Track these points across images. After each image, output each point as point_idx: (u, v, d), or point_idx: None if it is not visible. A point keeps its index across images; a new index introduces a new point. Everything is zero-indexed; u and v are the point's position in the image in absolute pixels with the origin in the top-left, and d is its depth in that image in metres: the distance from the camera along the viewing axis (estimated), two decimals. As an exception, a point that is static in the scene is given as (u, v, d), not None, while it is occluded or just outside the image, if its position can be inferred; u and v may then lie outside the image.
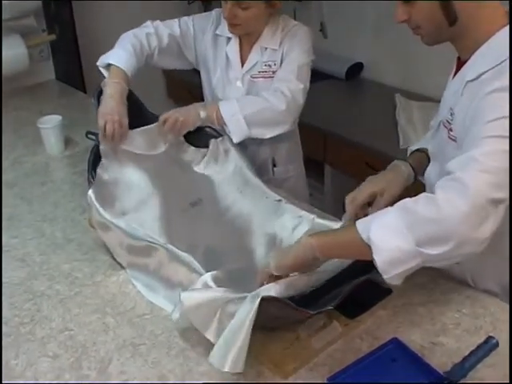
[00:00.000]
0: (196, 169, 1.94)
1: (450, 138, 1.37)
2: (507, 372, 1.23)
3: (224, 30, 2.05)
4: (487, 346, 1.23)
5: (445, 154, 1.40)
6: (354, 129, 2.80)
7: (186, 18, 2.13)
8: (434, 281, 1.51)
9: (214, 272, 1.41)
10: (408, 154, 1.71)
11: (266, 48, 2.03)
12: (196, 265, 1.48)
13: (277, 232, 1.67)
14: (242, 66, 2.07)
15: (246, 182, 1.85)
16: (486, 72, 1.26)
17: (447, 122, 1.39)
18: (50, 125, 2.28)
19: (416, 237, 1.15)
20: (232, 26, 1.97)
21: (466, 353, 1.23)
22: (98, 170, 1.76)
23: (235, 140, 1.93)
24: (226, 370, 1.16)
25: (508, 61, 1.22)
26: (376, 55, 3.31)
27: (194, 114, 1.91)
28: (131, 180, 1.80)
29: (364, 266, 1.32)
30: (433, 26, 1.33)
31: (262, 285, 1.33)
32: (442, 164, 1.45)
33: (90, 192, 1.68)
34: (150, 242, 1.57)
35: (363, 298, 1.40)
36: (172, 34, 2.08)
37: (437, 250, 1.15)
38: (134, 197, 1.75)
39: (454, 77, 1.44)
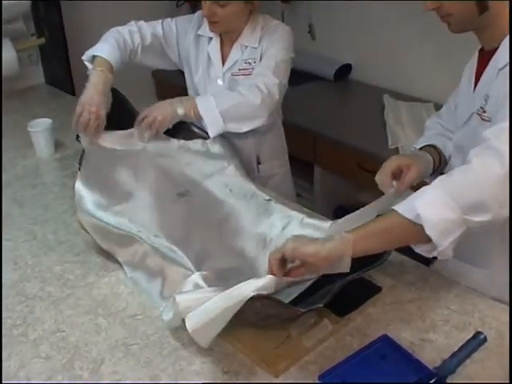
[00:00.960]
0: (182, 160, 1.95)
1: (484, 120, 1.43)
2: (496, 367, 1.25)
3: (206, 30, 2.10)
4: (475, 342, 1.25)
5: (477, 140, 1.43)
6: (343, 129, 2.82)
7: (168, 19, 2.19)
8: (424, 279, 1.53)
9: (204, 272, 1.42)
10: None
11: (247, 46, 2.08)
12: (186, 260, 1.50)
13: (266, 232, 1.69)
14: (223, 64, 2.12)
15: (235, 180, 1.87)
16: None
17: (481, 108, 1.44)
18: (40, 128, 2.29)
19: (461, 205, 1.20)
20: (212, 24, 2.01)
21: (455, 349, 1.26)
22: (83, 163, 1.80)
23: (211, 134, 1.95)
24: (190, 332, 1.24)
25: None
26: (364, 56, 3.34)
27: (171, 112, 1.93)
28: (116, 171, 1.83)
29: (354, 264, 1.34)
30: (463, 14, 1.39)
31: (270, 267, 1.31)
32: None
33: (77, 184, 1.72)
34: (138, 236, 1.60)
35: (353, 295, 1.41)
36: (155, 34, 2.14)
37: (480, 217, 1.21)
38: (121, 188, 1.78)
39: (477, 67, 1.51)
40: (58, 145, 2.36)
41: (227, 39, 2.11)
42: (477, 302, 1.44)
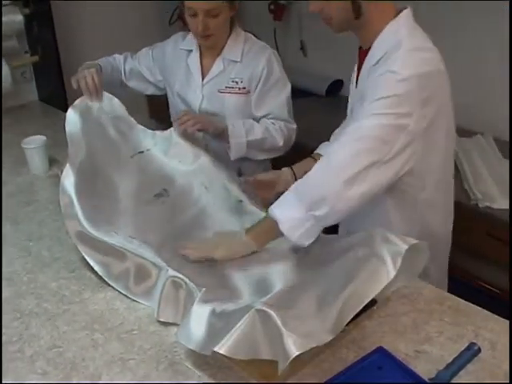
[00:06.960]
0: (159, 156, 1.99)
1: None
2: (489, 378, 1.26)
3: (185, 44, 2.21)
4: (469, 353, 1.27)
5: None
6: (335, 145, 2.83)
7: (145, 48, 2.36)
8: (417, 291, 1.54)
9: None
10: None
11: (230, 60, 2.16)
12: (160, 262, 1.54)
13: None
14: (204, 77, 2.20)
15: (211, 178, 1.89)
16: (380, 58, 1.52)
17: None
18: (34, 145, 2.30)
19: (305, 204, 1.46)
20: (205, 38, 2.07)
21: (450, 360, 1.27)
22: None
23: (232, 157, 2.15)
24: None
25: (391, 49, 1.49)
26: (355, 72, 3.37)
27: (215, 122, 2.09)
28: (95, 175, 1.88)
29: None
30: (342, 18, 1.57)
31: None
32: None
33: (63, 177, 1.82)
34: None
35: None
36: (134, 62, 2.35)
37: (320, 211, 1.44)
38: (101, 193, 1.82)
39: (358, 64, 1.70)
40: (51, 162, 2.37)
41: (208, 52, 2.19)
42: (470, 313, 1.46)
